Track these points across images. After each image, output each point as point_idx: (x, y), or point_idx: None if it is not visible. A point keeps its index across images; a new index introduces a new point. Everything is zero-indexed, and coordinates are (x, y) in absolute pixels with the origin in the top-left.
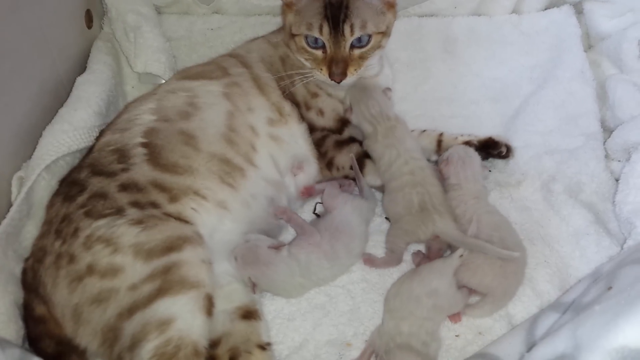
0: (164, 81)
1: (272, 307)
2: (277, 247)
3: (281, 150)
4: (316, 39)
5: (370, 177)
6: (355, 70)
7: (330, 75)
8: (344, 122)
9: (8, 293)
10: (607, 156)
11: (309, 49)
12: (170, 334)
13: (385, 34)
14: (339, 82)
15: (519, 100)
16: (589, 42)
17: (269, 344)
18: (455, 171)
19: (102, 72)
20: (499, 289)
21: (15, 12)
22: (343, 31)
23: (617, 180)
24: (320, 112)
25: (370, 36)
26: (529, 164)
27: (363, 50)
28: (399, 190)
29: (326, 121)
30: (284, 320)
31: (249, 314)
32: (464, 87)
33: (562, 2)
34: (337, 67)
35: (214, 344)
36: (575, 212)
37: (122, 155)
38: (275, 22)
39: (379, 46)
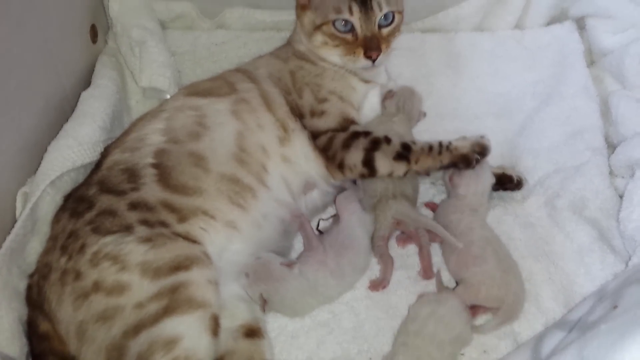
0: (168, 96)
1: (275, 324)
2: (289, 265)
3: (293, 172)
4: (346, 22)
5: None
6: (387, 47)
7: (366, 52)
8: (350, 122)
9: (12, 310)
10: (611, 172)
11: (339, 34)
12: (177, 352)
13: (402, 15)
14: (374, 60)
15: (523, 116)
16: (592, 58)
17: None
18: (467, 184)
19: (107, 87)
20: (509, 295)
21: (21, 27)
22: (372, 7)
23: (621, 196)
24: (325, 114)
25: (394, 14)
26: (533, 180)
27: (389, 28)
28: (369, 180)
29: (330, 122)
30: (288, 337)
31: (253, 332)
32: (468, 102)
33: (564, 17)
34: (371, 42)
35: None
36: (580, 228)
37: (132, 174)
38: (280, 37)
39: (399, 29)
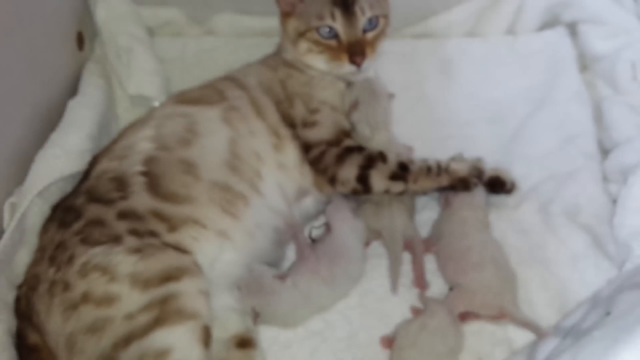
0: (157, 103)
1: (267, 334)
2: (282, 277)
3: (288, 179)
4: (329, 28)
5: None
6: (372, 52)
7: (351, 58)
8: (343, 134)
9: (1, 321)
10: (604, 178)
11: (323, 41)
12: None
13: (387, 19)
14: (359, 65)
15: (516, 122)
16: (584, 63)
17: None
18: (460, 199)
19: (94, 95)
20: (507, 298)
21: (5, 35)
22: (355, 13)
23: (614, 202)
24: (318, 125)
25: (378, 18)
26: (527, 186)
27: (374, 33)
28: None
29: (323, 134)
30: (280, 347)
31: (245, 343)
32: (460, 108)
33: (556, 23)
34: (355, 47)
35: None
36: (574, 234)
37: (121, 183)
38: (270, 43)
39: (384, 33)
